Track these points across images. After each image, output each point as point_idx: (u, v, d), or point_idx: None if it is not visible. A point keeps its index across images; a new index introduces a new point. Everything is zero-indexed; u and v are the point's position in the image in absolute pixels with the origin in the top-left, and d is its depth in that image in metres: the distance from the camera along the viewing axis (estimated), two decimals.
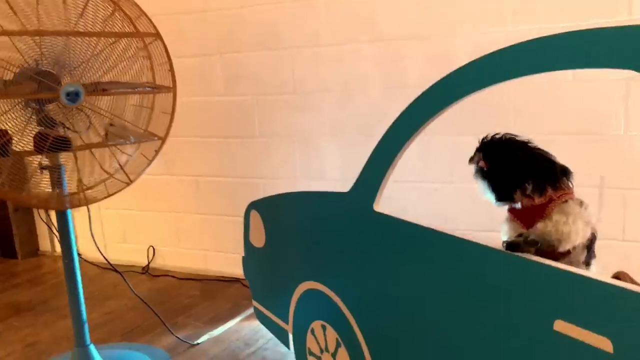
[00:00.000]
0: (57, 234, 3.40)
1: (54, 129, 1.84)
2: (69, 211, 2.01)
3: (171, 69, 1.95)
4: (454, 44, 2.35)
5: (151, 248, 3.24)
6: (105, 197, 1.95)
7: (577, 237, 1.21)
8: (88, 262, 3.39)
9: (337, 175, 2.68)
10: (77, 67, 1.85)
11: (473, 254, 1.16)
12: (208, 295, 2.82)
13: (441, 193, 2.49)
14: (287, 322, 1.87)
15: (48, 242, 3.61)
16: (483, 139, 1.38)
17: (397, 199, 2.58)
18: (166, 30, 2.99)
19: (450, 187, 2.49)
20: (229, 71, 2.83)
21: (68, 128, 1.91)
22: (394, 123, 1.38)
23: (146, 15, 1.89)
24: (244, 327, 2.44)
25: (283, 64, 2.70)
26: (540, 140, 2.28)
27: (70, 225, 2.03)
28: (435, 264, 1.25)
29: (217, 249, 3.07)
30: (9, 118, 1.77)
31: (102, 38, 1.85)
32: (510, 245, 1.14)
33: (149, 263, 3.24)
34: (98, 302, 2.81)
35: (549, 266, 1.03)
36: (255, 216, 1.96)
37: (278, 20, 2.66)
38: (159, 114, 1.98)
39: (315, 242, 1.65)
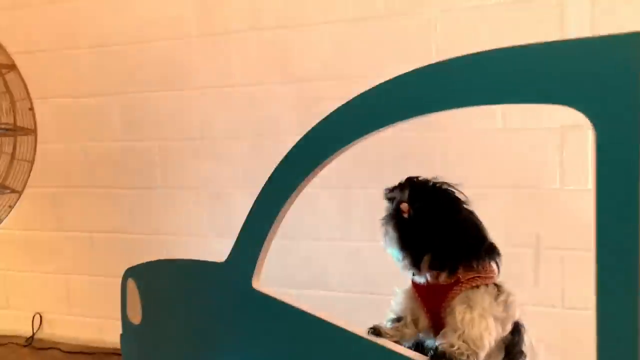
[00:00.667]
0: None
1: None
2: None
3: (31, 108, 1.62)
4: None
5: (37, 315, 2.80)
6: None
7: (489, 340, 0.95)
8: None
9: None
10: None
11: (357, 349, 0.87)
12: None
13: (364, 253, 2.20)
14: None
15: None
16: (412, 178, 1.11)
17: (317, 259, 2.28)
18: (59, 66, 2.68)
19: (375, 247, 2.20)
20: (129, 113, 2.50)
21: None
22: (266, 184, 1.10)
23: (1, 46, 1.56)
24: None
25: (189, 106, 2.40)
26: (472, 193, 2.06)
27: None
28: (314, 354, 0.95)
29: (114, 317, 2.65)
30: None
31: None
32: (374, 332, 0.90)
33: (33, 334, 2.79)
34: None
35: None
36: (132, 286, 1.61)
37: (184, 57, 2.37)
38: (18, 162, 1.63)
39: (194, 324, 1.31)
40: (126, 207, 2.57)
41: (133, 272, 1.62)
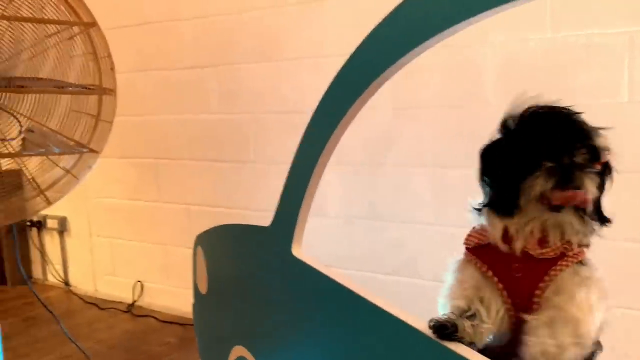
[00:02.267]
0: (48, 259, 3.15)
1: None
2: None
3: (113, 68, 1.60)
4: (480, 54, 1.89)
5: (138, 284, 2.88)
6: (18, 220, 1.60)
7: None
8: (75, 294, 3.08)
9: (338, 210, 2.24)
10: (4, 62, 1.54)
11: (392, 329, 0.71)
12: (185, 344, 2.41)
13: (460, 240, 1.99)
14: None
15: (40, 269, 3.32)
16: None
17: (408, 244, 2.11)
18: (163, 38, 2.71)
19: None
20: (225, 86, 2.47)
21: None
22: (302, 138, 0.95)
23: (83, 3, 1.56)
24: None
25: (283, 78, 2.32)
26: None
27: None
28: (349, 331, 0.80)
29: None
30: None
31: (35, 28, 1.54)
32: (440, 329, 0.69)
33: (134, 301, 2.87)
34: (62, 343, 2.44)
35: None
36: (200, 254, 1.54)
37: (279, 26, 2.29)
38: (99, 123, 1.63)
39: (244, 293, 1.21)
40: (221, 180, 2.55)
41: (202, 240, 1.55)
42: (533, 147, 0.83)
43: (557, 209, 0.81)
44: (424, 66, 1.98)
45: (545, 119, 0.86)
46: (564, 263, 0.82)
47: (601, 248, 1.74)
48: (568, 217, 0.82)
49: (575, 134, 0.83)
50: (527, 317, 0.81)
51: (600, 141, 0.83)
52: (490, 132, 2.11)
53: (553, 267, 0.82)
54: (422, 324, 0.75)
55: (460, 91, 1.95)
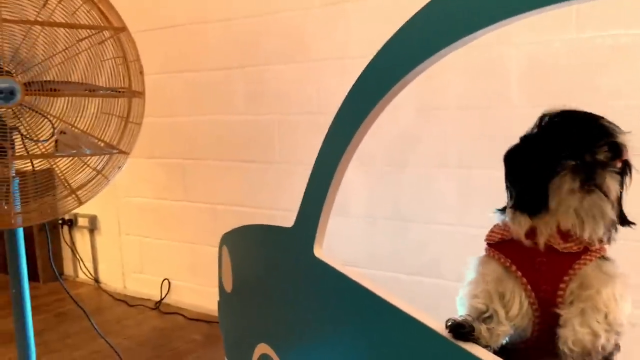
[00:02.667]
0: (79, 257, 3.22)
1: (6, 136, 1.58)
2: (19, 230, 1.71)
3: (142, 72, 1.64)
4: (504, 55, 1.88)
5: (166, 281, 2.93)
6: (51, 219, 1.65)
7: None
8: (104, 290, 3.15)
9: (361, 210, 2.25)
10: (36, 65, 1.59)
11: (411, 330, 0.72)
12: (210, 342, 2.45)
13: (481, 241, 1.99)
14: None
15: (71, 266, 3.40)
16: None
17: (431, 245, 2.11)
18: (190, 41, 2.76)
19: None
20: (251, 87, 2.51)
21: (26, 136, 1.65)
22: (325, 139, 0.97)
23: (113, 8, 1.60)
24: None
25: (308, 79, 2.34)
26: None
27: (21, 247, 1.72)
28: (371, 333, 0.82)
29: None
30: None
31: (67, 33, 1.58)
32: (457, 328, 0.70)
33: (161, 298, 2.92)
34: (92, 339, 2.51)
35: None
36: (225, 253, 1.58)
37: (305, 28, 2.31)
38: (128, 124, 1.67)
39: (267, 292, 1.24)
40: (246, 180, 2.58)
41: (227, 239, 1.59)
42: (555, 146, 0.84)
43: (588, 191, 0.82)
44: (448, 67, 1.98)
45: (565, 118, 0.87)
46: (587, 257, 0.83)
47: (623, 248, 1.72)
48: (599, 199, 0.82)
49: (596, 131, 0.83)
50: (558, 310, 0.81)
51: (620, 138, 0.83)
52: (514, 132, 2.11)
53: (577, 261, 0.83)
54: (441, 326, 0.76)
55: (484, 92, 1.95)
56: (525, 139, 0.90)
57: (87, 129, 1.61)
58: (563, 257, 0.84)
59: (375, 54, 0.92)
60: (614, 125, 0.85)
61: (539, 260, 0.85)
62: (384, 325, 0.83)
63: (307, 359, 1.07)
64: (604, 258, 0.84)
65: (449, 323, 0.76)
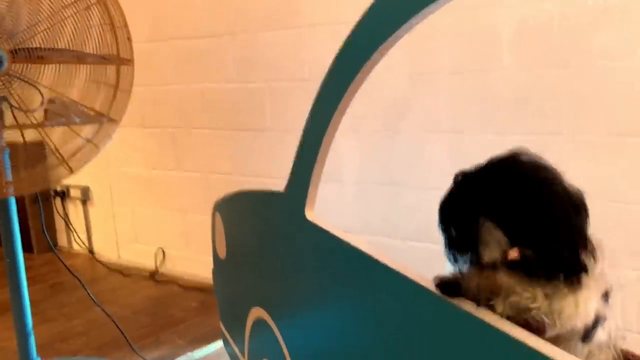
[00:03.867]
0: (73, 228, 3.23)
1: None
2: (11, 199, 1.70)
3: (129, 38, 1.62)
4: (495, 16, 1.87)
5: (160, 251, 2.95)
6: (43, 188, 1.64)
7: (581, 319, 0.72)
8: (99, 261, 3.16)
9: (355, 176, 2.26)
10: (21, 32, 1.56)
11: (405, 291, 0.73)
12: (205, 309, 2.47)
13: None
14: (243, 355, 1.48)
15: (65, 237, 3.41)
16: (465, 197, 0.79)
17: (423, 209, 2.12)
18: (178, 7, 2.71)
19: None
20: (240, 54, 2.48)
21: (14, 105, 1.63)
22: (314, 102, 0.96)
23: None
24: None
25: (299, 45, 2.32)
26: (609, 142, 1.76)
27: (13, 217, 1.71)
28: (364, 295, 0.83)
29: None
30: None
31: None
32: (446, 286, 0.70)
33: (156, 267, 2.94)
34: (87, 308, 2.52)
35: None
36: (218, 220, 1.58)
37: None
38: (117, 92, 1.66)
39: (260, 257, 1.25)
40: (238, 149, 2.58)
41: (219, 206, 1.59)
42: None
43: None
44: (439, 31, 1.97)
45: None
46: None
47: (611, 211, 1.73)
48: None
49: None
50: None
51: None
52: (506, 95, 2.10)
53: None
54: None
55: (475, 55, 1.94)
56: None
57: (76, 98, 1.59)
58: None
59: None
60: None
61: None
62: (376, 286, 0.84)
63: (302, 321, 1.09)
64: None
65: (437, 282, 0.76)
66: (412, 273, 0.78)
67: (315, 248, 0.97)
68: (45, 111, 1.57)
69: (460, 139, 1.98)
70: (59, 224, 3.39)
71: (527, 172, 0.77)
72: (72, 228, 3.30)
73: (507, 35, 1.86)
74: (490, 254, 0.74)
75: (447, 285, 0.74)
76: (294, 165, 1.03)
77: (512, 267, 0.72)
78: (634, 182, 1.71)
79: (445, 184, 2.22)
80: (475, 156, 2.20)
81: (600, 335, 0.75)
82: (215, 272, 1.71)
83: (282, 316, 1.17)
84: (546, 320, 0.71)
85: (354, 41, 0.87)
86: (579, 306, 0.70)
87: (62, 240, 3.42)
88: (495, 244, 0.74)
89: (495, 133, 1.92)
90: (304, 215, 0.98)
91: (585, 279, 0.73)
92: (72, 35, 1.62)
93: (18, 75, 1.50)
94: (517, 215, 0.73)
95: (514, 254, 0.72)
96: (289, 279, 1.10)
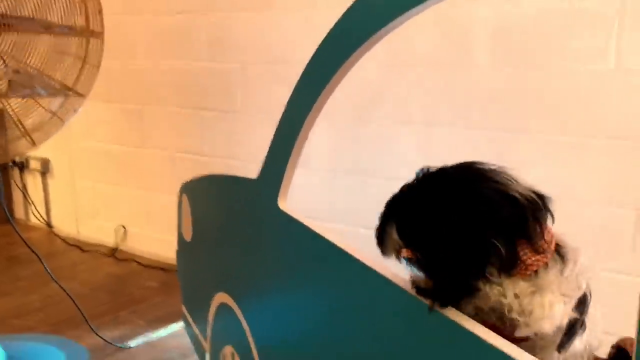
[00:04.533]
0: (31, 200, 3.14)
1: None
2: None
3: (101, 11, 1.58)
4: (471, 12, 1.88)
5: (121, 228, 2.90)
6: (3, 160, 1.60)
7: (549, 321, 0.73)
8: (57, 235, 3.09)
9: (322, 163, 2.26)
10: None
11: (373, 284, 0.74)
12: (166, 289, 2.45)
13: None
14: (206, 340, 1.48)
15: (22, 209, 3.32)
16: (392, 199, 0.83)
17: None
18: None
19: None
20: (214, 33, 2.44)
21: None
22: (293, 91, 0.96)
23: None
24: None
25: (272, 28, 2.29)
26: (573, 143, 1.80)
27: None
28: (333, 287, 0.84)
29: None
30: None
31: None
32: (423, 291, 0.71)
33: (117, 245, 2.90)
34: (44, 283, 2.47)
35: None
36: (185, 202, 1.56)
37: None
38: (85, 66, 1.61)
39: (228, 243, 1.24)
40: (206, 129, 2.55)
41: (187, 188, 1.57)
42: None
43: None
44: (414, 22, 1.96)
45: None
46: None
47: (584, 214, 1.77)
48: None
49: None
50: None
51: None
52: (476, 92, 2.13)
53: None
54: (402, 279, 0.78)
55: (449, 50, 1.95)
56: None
57: (41, 69, 1.54)
58: None
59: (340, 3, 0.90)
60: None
61: None
62: (346, 280, 0.85)
63: (267, 308, 1.09)
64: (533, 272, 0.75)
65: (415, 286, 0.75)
66: (381, 267, 0.79)
67: (286, 238, 0.97)
68: (9, 82, 1.52)
69: (430, 132, 2.00)
70: (17, 195, 3.30)
71: (448, 177, 0.78)
72: (30, 200, 3.22)
73: (483, 31, 1.87)
74: (388, 254, 0.80)
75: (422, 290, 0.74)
76: (268, 154, 1.03)
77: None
78: (595, 183, 1.76)
79: (412, 175, 2.24)
80: (444, 149, 2.23)
81: (577, 345, 0.76)
82: (179, 253, 1.69)
83: (248, 303, 1.16)
84: (517, 317, 0.71)
85: (339, 33, 0.86)
86: (545, 307, 0.72)
87: (19, 212, 3.33)
88: (391, 246, 0.80)
89: (465, 127, 1.94)
90: (277, 204, 0.97)
91: (545, 277, 0.74)
92: (37, 3, 1.57)
93: None
94: (412, 219, 0.77)
95: (405, 253, 0.78)
96: (256, 266, 1.10)
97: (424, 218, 0.75)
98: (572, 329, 0.76)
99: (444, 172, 0.80)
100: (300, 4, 2.19)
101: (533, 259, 0.73)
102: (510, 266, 0.72)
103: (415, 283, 0.74)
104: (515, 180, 0.75)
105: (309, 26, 2.21)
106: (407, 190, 0.83)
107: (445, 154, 2.00)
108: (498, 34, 1.85)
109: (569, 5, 1.71)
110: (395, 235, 0.79)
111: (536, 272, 0.74)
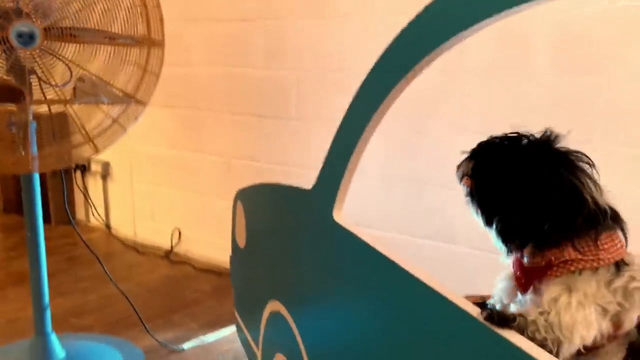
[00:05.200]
0: (91, 202, 3.25)
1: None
2: (35, 175, 1.70)
3: (162, 19, 1.61)
4: (532, 20, 1.83)
5: (177, 231, 2.96)
6: (67, 165, 1.65)
7: (586, 333, 0.71)
8: (115, 236, 3.18)
9: (378, 171, 2.24)
10: (56, 10, 1.56)
11: (428, 301, 0.72)
12: (219, 293, 2.48)
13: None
14: (257, 346, 1.48)
15: (83, 211, 3.44)
16: (482, 142, 0.98)
17: (444, 209, 2.10)
18: None
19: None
20: (271, 41, 2.46)
21: (44, 81, 1.63)
22: (351, 103, 0.95)
23: None
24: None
25: (329, 35, 2.29)
26: (631, 155, 1.73)
27: (37, 192, 1.72)
28: (387, 300, 0.83)
29: None
30: None
31: None
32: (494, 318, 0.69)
33: (172, 247, 2.96)
34: (103, 284, 2.54)
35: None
36: (239, 209, 1.58)
37: None
38: (146, 74, 1.65)
39: (282, 252, 1.24)
40: (261, 135, 2.57)
41: (242, 195, 1.58)
42: None
43: None
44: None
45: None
46: (549, 273, 0.80)
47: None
48: None
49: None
50: None
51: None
52: (536, 100, 2.07)
53: (545, 275, 0.81)
54: (457, 298, 0.76)
55: (507, 57, 1.91)
56: None
57: (104, 77, 1.59)
58: (535, 271, 0.82)
59: (399, 10, 0.89)
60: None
61: (517, 275, 0.87)
62: (400, 294, 0.83)
63: (320, 319, 1.08)
64: (575, 272, 0.78)
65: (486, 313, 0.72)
66: (436, 283, 0.77)
67: (341, 249, 0.96)
68: (74, 89, 1.57)
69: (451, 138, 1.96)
70: (78, 197, 3.41)
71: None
72: (90, 202, 3.33)
73: (544, 39, 1.82)
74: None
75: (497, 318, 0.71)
76: (324, 165, 1.02)
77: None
78: None
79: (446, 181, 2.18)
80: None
81: None
82: (233, 259, 1.71)
83: (301, 312, 1.16)
84: (546, 336, 0.72)
85: (405, 41, 0.85)
86: (571, 306, 0.73)
87: (80, 213, 3.44)
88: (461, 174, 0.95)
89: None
90: (332, 216, 0.97)
91: (583, 280, 0.76)
92: (101, 15, 1.61)
93: (48, 51, 1.49)
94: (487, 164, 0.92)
95: (465, 181, 0.93)
96: (310, 276, 1.10)
97: (499, 170, 0.88)
98: (636, 354, 0.74)
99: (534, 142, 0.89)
100: (358, 10, 2.19)
101: (572, 254, 0.77)
102: (547, 243, 0.78)
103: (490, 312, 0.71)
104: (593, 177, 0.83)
105: (366, 33, 2.20)
106: (493, 143, 0.95)
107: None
108: (559, 41, 1.79)
109: (636, 12, 1.64)
110: (467, 169, 0.94)
111: (580, 273, 0.76)
